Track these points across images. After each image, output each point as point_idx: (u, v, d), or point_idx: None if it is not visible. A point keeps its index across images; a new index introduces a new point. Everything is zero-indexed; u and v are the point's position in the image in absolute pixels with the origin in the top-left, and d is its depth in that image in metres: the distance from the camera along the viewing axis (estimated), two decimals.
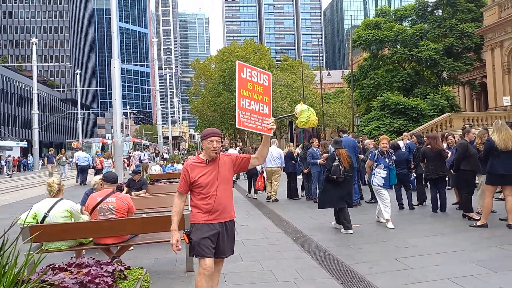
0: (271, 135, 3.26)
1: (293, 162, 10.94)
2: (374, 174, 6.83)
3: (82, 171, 17.48)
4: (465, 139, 7.04)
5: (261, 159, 3.31)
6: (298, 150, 12.27)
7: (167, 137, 44.09)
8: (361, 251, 5.33)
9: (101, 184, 4.96)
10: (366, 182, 10.19)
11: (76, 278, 2.78)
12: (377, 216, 7.07)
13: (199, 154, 3.35)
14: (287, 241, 6.05)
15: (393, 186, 7.16)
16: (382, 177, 6.71)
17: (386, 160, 6.78)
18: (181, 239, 3.14)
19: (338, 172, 6.38)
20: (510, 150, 5.95)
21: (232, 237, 3.22)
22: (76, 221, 4.50)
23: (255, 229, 6.90)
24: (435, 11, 27.24)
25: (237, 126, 3.30)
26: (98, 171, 15.72)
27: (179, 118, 71.68)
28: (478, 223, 6.25)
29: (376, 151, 6.98)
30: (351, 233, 6.30)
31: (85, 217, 4.75)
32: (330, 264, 4.78)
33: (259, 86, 3.38)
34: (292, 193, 10.56)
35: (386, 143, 6.93)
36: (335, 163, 6.45)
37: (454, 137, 9.43)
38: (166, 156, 28.86)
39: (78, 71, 45.51)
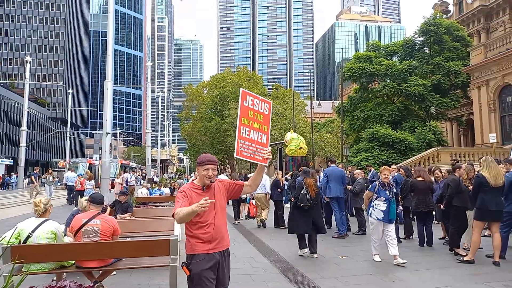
0: (267, 165, 3.22)
1: (279, 190, 10.96)
2: (373, 206, 6.47)
3: (71, 190, 17.98)
4: (455, 174, 7.11)
5: (254, 187, 3.28)
6: (287, 177, 12.30)
7: (156, 160, 43.75)
8: (348, 283, 5.28)
9: (87, 205, 4.88)
10: (354, 213, 10.21)
11: None
12: (395, 258, 6.29)
13: (193, 180, 3.27)
14: (272, 271, 5.97)
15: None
16: (382, 211, 6.33)
17: (387, 192, 6.42)
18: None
19: (305, 200, 6.85)
20: (500, 186, 6.06)
21: (229, 266, 3.15)
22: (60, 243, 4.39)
23: (241, 257, 6.80)
24: (422, 49, 28.27)
25: (235, 155, 3.23)
26: (79, 193, 15.30)
27: (168, 141, 71.44)
28: (465, 258, 6.26)
29: (377, 182, 6.59)
30: (316, 257, 6.72)
31: (69, 239, 4.64)
32: None
33: (260, 114, 3.35)
34: (279, 222, 10.50)
35: (387, 175, 6.57)
36: (302, 192, 6.90)
37: (441, 172, 9.58)
38: (156, 179, 28.44)
39: (70, 91, 45.44)
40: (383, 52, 29.84)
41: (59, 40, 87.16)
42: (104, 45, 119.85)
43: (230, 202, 11.69)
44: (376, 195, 6.46)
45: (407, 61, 27.02)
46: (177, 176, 42.89)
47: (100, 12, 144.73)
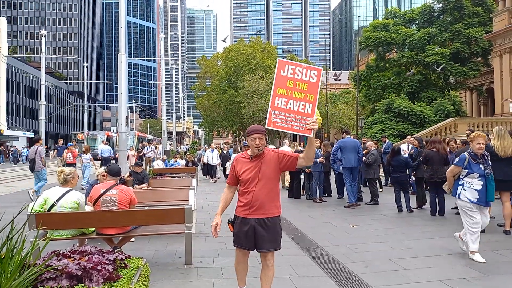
0: (311, 135, 3.11)
1: None
2: (462, 185, 5.07)
3: (106, 162, 18.09)
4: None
5: (307, 160, 3.21)
6: (301, 149, 12.38)
7: (171, 132, 44.27)
8: (357, 250, 5.42)
9: (104, 176, 5.09)
10: (367, 184, 10.27)
11: (79, 264, 2.90)
12: (461, 240, 5.28)
13: (247, 150, 3.37)
14: (284, 238, 6.12)
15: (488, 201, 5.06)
16: (476, 190, 4.95)
17: (481, 166, 5.04)
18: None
19: None
20: (509, 157, 6.00)
21: (271, 233, 3.22)
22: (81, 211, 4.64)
23: None
24: (441, 16, 27.13)
25: (267, 126, 3.20)
26: (68, 166, 12.80)
27: (183, 113, 71.93)
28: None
29: (466, 154, 5.14)
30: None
31: (89, 208, 4.89)
32: (326, 262, 4.88)
33: (304, 83, 3.17)
34: (294, 193, 10.66)
35: (482, 144, 5.07)
36: None
37: (455, 143, 9.48)
38: (184, 147, 29.20)
39: (85, 64, 45.71)
40: (402, 19, 28.79)
41: (72, 12, 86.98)
42: (117, 16, 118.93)
43: None
44: (466, 170, 5.08)
45: (426, 29, 26.03)
46: (194, 147, 43.54)
47: None
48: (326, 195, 10.52)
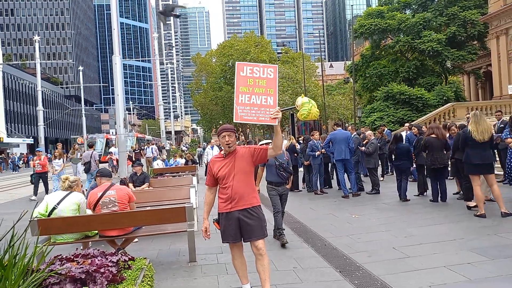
0: (275, 123, 3.38)
1: (296, 154, 11.04)
2: None
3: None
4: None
5: (276, 149, 3.43)
6: (299, 141, 12.38)
7: (170, 132, 44.23)
8: (360, 240, 5.43)
9: (99, 179, 5.08)
10: (368, 174, 10.27)
11: (82, 267, 2.90)
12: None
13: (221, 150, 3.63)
14: (287, 231, 6.14)
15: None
16: None
17: None
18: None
19: None
20: (486, 141, 6.04)
21: (258, 221, 3.41)
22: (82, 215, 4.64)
23: None
24: (436, 0, 26.96)
25: (234, 120, 3.50)
26: (40, 176, 11.73)
27: (181, 112, 71.80)
28: (477, 213, 6.32)
29: None
30: None
31: (89, 213, 4.89)
32: (329, 253, 4.89)
33: (262, 80, 3.53)
34: (293, 186, 10.66)
35: None
36: None
37: (457, 127, 9.45)
38: (184, 148, 29.50)
39: (80, 68, 45.57)
40: (396, 5, 28.60)
41: (65, 17, 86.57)
42: (109, 18, 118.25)
43: None
44: None
45: (421, 13, 25.87)
46: (193, 146, 43.55)
47: None
48: (327, 186, 10.53)
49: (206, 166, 16.36)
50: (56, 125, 70.92)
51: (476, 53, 25.32)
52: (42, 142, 32.31)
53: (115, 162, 17.37)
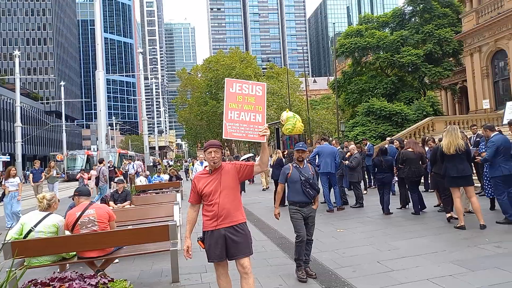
0: (265, 141, 3.40)
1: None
2: None
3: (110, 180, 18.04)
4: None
5: (263, 166, 3.44)
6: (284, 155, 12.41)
7: (154, 147, 43.79)
8: (345, 255, 5.43)
9: (77, 199, 4.90)
10: (351, 187, 10.35)
11: None
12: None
13: (205, 166, 3.56)
14: (272, 248, 6.12)
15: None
16: None
17: None
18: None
19: None
20: (460, 153, 6.20)
21: (245, 239, 3.34)
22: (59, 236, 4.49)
23: None
24: (412, 19, 27.93)
25: (223, 137, 3.50)
26: None
27: (165, 127, 71.30)
28: (457, 225, 6.43)
29: None
30: None
31: (68, 234, 4.74)
32: (315, 269, 4.85)
33: (251, 97, 3.53)
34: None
35: None
36: None
37: (434, 141, 9.68)
38: (171, 162, 28.89)
39: (62, 83, 44.96)
40: (375, 24, 29.48)
41: (47, 32, 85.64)
42: (93, 34, 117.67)
43: None
44: None
45: (398, 31, 26.74)
46: (177, 162, 43.09)
47: (86, 1, 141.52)
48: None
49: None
50: (35, 141, 69.32)
51: (452, 69, 26.20)
52: (19, 159, 31.47)
53: (86, 181, 16.36)
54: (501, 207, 6.44)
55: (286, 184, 4.84)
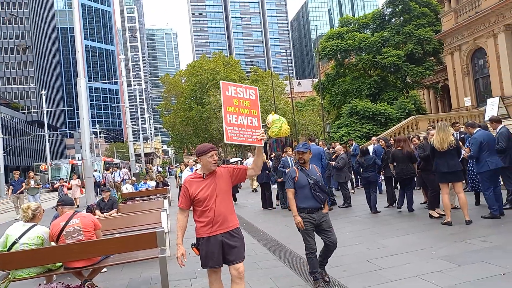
0: (262, 145, 3.40)
1: (267, 172, 11.08)
2: None
3: (97, 187, 17.70)
4: (428, 140, 7.38)
5: (257, 170, 3.42)
6: (271, 158, 12.45)
7: (139, 154, 43.31)
8: (334, 255, 5.38)
9: (60, 209, 4.80)
10: (339, 188, 10.42)
11: None
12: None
13: (196, 170, 3.44)
14: (262, 251, 6.10)
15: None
16: None
17: None
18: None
19: None
20: (451, 149, 6.32)
21: (241, 243, 3.32)
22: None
23: None
24: (392, 20, 28.43)
25: (226, 141, 3.46)
26: None
27: (151, 134, 70.62)
28: (444, 221, 6.52)
29: None
30: None
31: (53, 245, 4.62)
32: (305, 270, 4.85)
33: (246, 101, 3.53)
34: (267, 203, 10.64)
35: None
36: None
37: (419, 139, 9.83)
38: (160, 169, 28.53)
39: (43, 92, 44.12)
40: (356, 25, 29.90)
41: (26, 40, 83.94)
42: (73, 41, 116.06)
43: None
44: None
45: (379, 32, 27.17)
46: (164, 169, 42.68)
47: (65, 8, 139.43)
48: None
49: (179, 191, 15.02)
50: (17, 152, 67.77)
51: (433, 68, 26.73)
52: (1, 170, 30.68)
53: (65, 191, 15.80)
54: (487, 201, 6.58)
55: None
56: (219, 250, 3.21)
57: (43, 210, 4.82)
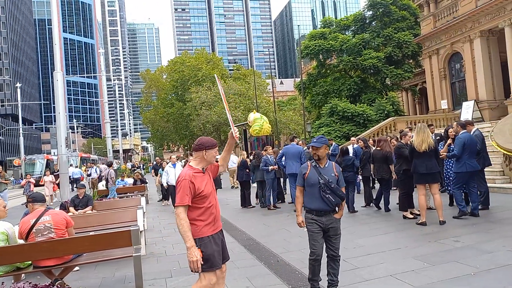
0: (238, 142, 3.53)
1: (247, 170, 11.05)
2: None
3: (76, 182, 18.64)
4: (401, 141, 7.53)
5: (225, 166, 3.47)
6: (250, 157, 12.48)
7: (118, 151, 42.51)
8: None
9: (31, 205, 4.61)
10: None
11: None
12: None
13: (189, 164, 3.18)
14: (240, 250, 6.07)
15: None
16: None
17: None
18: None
19: None
20: (429, 151, 6.44)
21: (224, 242, 3.30)
22: (12, 245, 4.20)
23: None
24: (373, 22, 28.88)
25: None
26: None
27: (130, 130, 69.40)
28: (419, 221, 6.66)
29: None
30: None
31: (21, 242, 4.45)
32: (282, 269, 4.86)
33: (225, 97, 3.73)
34: (246, 202, 10.61)
35: None
36: None
37: (397, 140, 10.01)
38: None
39: (18, 85, 42.69)
40: (337, 27, 30.21)
41: (0, 31, 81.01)
42: (51, 33, 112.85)
43: None
44: None
45: (360, 34, 27.55)
46: (144, 166, 42.00)
47: None
48: (280, 201, 10.60)
49: (162, 186, 12.53)
50: None
51: (412, 71, 27.31)
52: None
53: (32, 188, 15.05)
54: (455, 198, 6.90)
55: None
56: (221, 249, 3.15)
57: (4, 206, 4.59)
